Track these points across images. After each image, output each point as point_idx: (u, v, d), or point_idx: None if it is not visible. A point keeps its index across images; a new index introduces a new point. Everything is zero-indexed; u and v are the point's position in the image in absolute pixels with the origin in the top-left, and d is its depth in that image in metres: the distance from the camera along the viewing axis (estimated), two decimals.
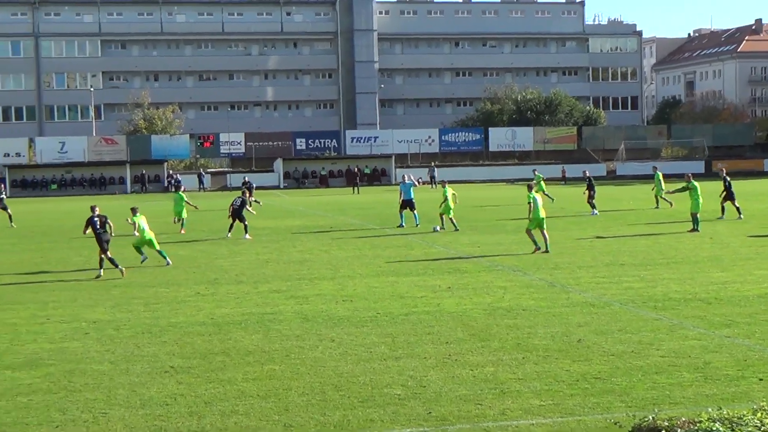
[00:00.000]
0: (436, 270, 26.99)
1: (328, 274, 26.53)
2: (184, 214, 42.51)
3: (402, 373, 14.93)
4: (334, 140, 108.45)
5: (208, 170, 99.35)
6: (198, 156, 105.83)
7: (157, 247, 29.37)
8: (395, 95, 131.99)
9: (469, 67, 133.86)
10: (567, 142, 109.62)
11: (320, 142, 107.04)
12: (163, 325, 19.28)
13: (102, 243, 27.38)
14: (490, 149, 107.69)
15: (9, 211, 45.60)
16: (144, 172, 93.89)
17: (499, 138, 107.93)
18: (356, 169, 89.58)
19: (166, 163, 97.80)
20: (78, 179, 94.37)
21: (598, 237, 35.22)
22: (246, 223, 38.08)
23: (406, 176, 44.54)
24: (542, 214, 30.70)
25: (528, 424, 12.21)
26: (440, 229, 38.82)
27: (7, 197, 51.98)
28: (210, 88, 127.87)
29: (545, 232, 30.75)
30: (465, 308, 20.52)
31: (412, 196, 41.54)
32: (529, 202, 30.69)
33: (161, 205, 60.51)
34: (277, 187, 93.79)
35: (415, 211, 41.31)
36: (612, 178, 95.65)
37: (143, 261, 29.05)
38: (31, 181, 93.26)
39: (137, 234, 29.07)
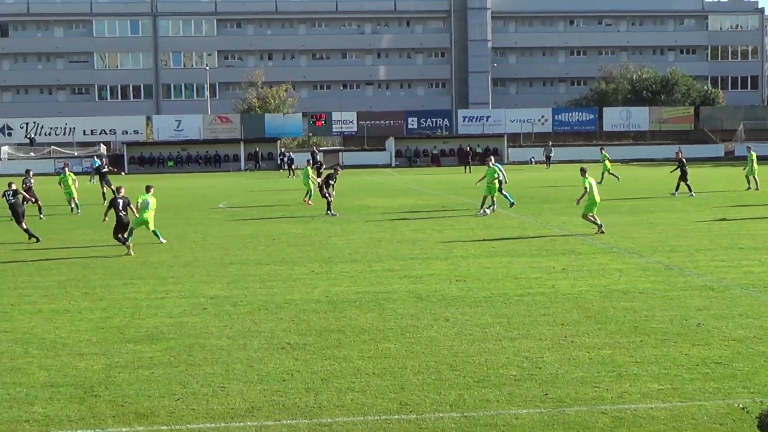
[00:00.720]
0: (551, 251, 26.76)
1: (441, 254, 26.51)
2: (311, 185, 44.31)
3: (517, 353, 14.88)
4: (446, 119, 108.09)
5: (321, 148, 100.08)
6: (310, 134, 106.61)
7: (152, 227, 29.88)
8: (508, 74, 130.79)
9: (583, 46, 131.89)
10: (683, 122, 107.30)
11: (432, 122, 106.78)
12: (279, 302, 19.54)
13: (121, 224, 28.22)
14: (605, 129, 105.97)
15: (112, 187, 45.33)
16: (257, 149, 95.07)
17: (614, 118, 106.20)
18: (468, 148, 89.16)
19: (279, 141, 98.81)
20: (193, 156, 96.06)
21: (722, 219, 34.41)
22: (330, 199, 39.00)
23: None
24: (597, 198, 30.90)
25: (647, 408, 12.07)
26: (489, 211, 38.22)
27: (125, 173, 52.88)
28: (323, 67, 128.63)
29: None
30: (580, 290, 20.33)
31: (501, 178, 40.53)
32: (585, 187, 30.90)
33: (275, 182, 61.33)
34: (389, 166, 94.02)
35: (504, 192, 40.35)
36: (730, 159, 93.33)
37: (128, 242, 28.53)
38: (148, 158, 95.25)
39: (137, 214, 28.81)
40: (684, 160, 46.11)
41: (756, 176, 48.32)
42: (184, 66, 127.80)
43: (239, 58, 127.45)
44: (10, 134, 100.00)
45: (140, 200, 28.79)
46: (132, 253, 27.38)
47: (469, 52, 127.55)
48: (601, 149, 61.67)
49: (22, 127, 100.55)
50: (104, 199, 45.68)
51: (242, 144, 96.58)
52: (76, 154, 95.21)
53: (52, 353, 15.50)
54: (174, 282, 22.59)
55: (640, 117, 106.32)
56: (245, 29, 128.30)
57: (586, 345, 15.36)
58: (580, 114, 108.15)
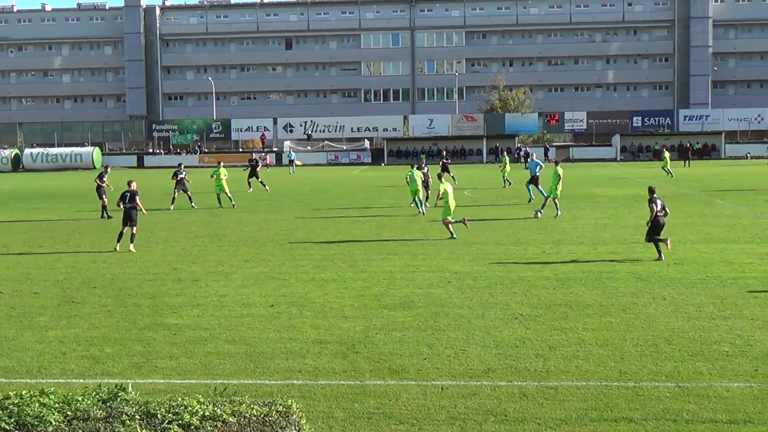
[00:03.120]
0: (764, 239, 25.35)
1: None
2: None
3: (730, 332, 14.21)
4: (668, 118, 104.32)
5: (554, 144, 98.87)
6: (545, 131, 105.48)
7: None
8: (727, 77, 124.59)
9: None
10: None
11: (655, 120, 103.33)
12: (514, 278, 19.46)
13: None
14: None
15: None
16: (498, 144, 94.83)
17: None
18: (688, 144, 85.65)
19: (516, 137, 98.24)
20: (443, 150, 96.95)
21: None
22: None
23: (534, 155, 42.04)
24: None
25: None
26: (539, 214, 32.73)
27: (384, 164, 52.95)
28: (557, 72, 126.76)
29: None
30: None
31: (537, 173, 39.23)
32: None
33: (511, 173, 61.09)
34: (614, 160, 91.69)
35: (540, 187, 38.07)
36: None
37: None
38: (404, 152, 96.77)
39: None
40: None
41: None
42: (437, 72, 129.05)
43: (484, 64, 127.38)
44: (291, 131, 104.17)
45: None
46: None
47: (691, 57, 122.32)
48: None
49: (301, 125, 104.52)
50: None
51: (485, 140, 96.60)
52: (344, 148, 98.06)
53: (322, 315, 16.04)
54: (424, 258, 22.90)
55: None
56: (490, 39, 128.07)
57: None
58: None
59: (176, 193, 39.18)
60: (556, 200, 33.04)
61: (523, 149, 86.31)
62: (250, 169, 50.58)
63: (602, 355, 13.01)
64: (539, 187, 38.29)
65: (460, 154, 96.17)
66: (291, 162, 77.96)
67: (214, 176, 39.17)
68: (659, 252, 21.82)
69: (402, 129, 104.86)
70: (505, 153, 64.01)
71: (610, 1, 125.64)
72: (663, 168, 58.92)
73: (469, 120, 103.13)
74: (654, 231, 22.06)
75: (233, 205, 38.46)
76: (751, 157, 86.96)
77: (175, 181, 39.38)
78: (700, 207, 35.56)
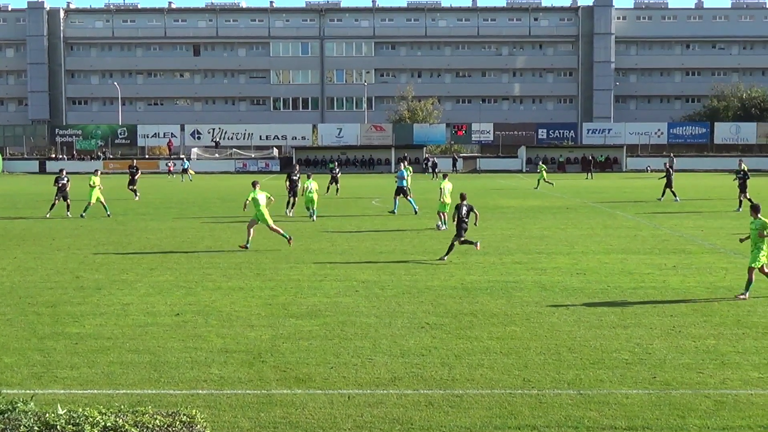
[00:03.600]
0: (663, 250, 26.07)
1: (565, 250, 26.13)
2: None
3: (630, 340, 14.55)
4: (572, 131, 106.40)
5: (461, 155, 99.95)
6: (452, 142, 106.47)
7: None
8: (629, 92, 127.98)
9: (698, 67, 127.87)
10: None
11: (560, 133, 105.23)
12: (421, 288, 19.58)
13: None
14: (715, 142, 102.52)
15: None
16: (406, 154, 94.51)
17: (724, 132, 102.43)
18: (591, 157, 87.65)
19: (425, 148, 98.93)
20: (351, 159, 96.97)
21: None
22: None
23: (402, 164, 42.70)
24: None
25: (747, 394, 11.64)
26: (443, 227, 31.69)
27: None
28: (465, 84, 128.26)
29: None
30: (688, 285, 19.75)
31: (405, 184, 38.88)
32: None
33: (418, 183, 61.56)
34: (520, 171, 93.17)
35: (410, 197, 38.38)
36: None
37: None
38: (313, 160, 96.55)
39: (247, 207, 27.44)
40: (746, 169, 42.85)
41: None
42: (346, 82, 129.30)
43: (393, 75, 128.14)
44: (199, 138, 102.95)
45: (250, 198, 27.02)
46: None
47: (594, 71, 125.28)
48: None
49: (209, 132, 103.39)
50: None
51: (393, 149, 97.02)
52: (253, 156, 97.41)
53: (228, 324, 15.89)
54: (331, 267, 22.88)
55: (748, 131, 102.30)
56: (399, 51, 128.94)
57: (692, 335, 14.91)
58: (693, 128, 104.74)
59: (57, 200, 38.31)
60: (442, 213, 32.29)
61: (430, 159, 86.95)
62: (129, 176, 50.41)
63: (507, 363, 13.19)
64: (408, 197, 38.20)
65: (368, 164, 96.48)
66: (185, 170, 76.74)
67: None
68: (448, 252, 23.79)
69: (311, 137, 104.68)
70: (405, 163, 64.35)
71: (516, 15, 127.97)
72: (540, 180, 60.26)
73: (377, 129, 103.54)
74: (458, 234, 24.00)
75: (108, 215, 37.43)
76: (651, 170, 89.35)
77: (56, 187, 38.58)
78: (602, 219, 36.36)
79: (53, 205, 38.12)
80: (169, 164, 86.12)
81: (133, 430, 7.44)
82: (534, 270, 22.13)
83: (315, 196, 35.63)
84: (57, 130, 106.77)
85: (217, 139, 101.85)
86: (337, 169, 54.75)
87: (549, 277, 20.90)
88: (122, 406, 8.02)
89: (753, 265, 18.10)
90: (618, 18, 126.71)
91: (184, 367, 13.03)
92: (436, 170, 79.79)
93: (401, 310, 17.06)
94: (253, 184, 27.48)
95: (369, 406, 11.20)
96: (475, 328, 15.53)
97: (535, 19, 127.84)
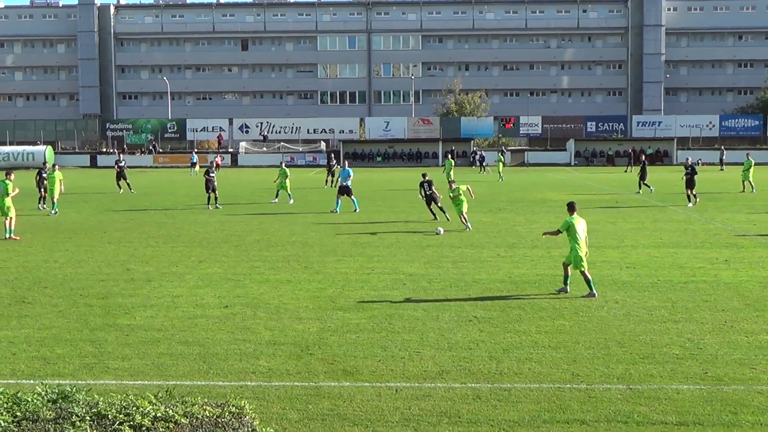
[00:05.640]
0: (714, 244, 25.72)
1: (613, 243, 25.89)
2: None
3: (681, 335, 14.38)
4: (621, 124, 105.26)
5: (509, 148, 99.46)
6: (500, 135, 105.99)
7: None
8: (679, 84, 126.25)
9: (751, 59, 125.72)
10: None
11: (609, 125, 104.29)
12: (468, 281, 19.53)
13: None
14: None
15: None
16: (453, 148, 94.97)
17: None
18: (631, 150, 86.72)
19: (472, 141, 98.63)
20: (399, 153, 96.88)
21: None
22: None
23: (347, 162, 42.43)
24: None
25: None
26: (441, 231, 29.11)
27: (339, 166, 53.09)
28: (513, 77, 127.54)
29: None
30: (741, 280, 19.46)
31: (348, 183, 37.98)
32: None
33: (467, 176, 61.38)
34: (568, 165, 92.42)
35: (353, 197, 37.39)
36: None
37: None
38: (360, 154, 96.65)
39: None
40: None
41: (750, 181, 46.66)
42: (393, 75, 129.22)
43: (440, 68, 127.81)
44: (247, 132, 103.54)
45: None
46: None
47: (644, 64, 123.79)
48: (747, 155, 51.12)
49: (257, 126, 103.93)
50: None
51: (440, 143, 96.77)
52: (300, 149, 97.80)
53: (276, 316, 15.98)
54: (379, 260, 22.90)
55: None
56: (446, 44, 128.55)
57: (745, 330, 14.70)
58: (746, 120, 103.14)
59: (119, 184, 39.06)
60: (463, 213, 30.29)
61: (478, 153, 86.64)
62: (117, 171, 50.81)
63: (555, 357, 13.10)
64: (352, 196, 37.29)
65: (416, 157, 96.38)
66: (193, 164, 77.37)
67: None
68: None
69: (358, 131, 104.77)
70: (449, 156, 64.50)
71: (565, 7, 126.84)
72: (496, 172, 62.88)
73: (425, 123, 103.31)
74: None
75: (54, 212, 37.08)
76: (703, 164, 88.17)
77: (38, 179, 39.35)
78: (652, 212, 35.97)
79: (42, 198, 39.20)
80: (217, 158, 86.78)
81: (182, 420, 7.51)
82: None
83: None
84: (108, 124, 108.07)
85: (265, 133, 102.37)
86: (334, 161, 57.54)
87: (598, 271, 20.70)
88: (171, 397, 8.10)
89: None
90: (668, 9, 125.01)
91: (232, 358, 13.13)
92: (484, 163, 79.52)
93: (449, 304, 17.03)
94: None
95: (416, 398, 11.19)
96: (524, 321, 15.45)
97: (584, 11, 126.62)
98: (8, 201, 28.63)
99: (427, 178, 33.17)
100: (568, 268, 17.91)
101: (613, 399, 11.13)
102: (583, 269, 17.59)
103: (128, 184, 49.52)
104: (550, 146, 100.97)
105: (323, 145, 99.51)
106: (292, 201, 41.53)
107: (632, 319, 15.52)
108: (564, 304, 16.80)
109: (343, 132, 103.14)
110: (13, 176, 29.50)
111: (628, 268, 21.15)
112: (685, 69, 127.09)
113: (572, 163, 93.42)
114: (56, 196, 37.28)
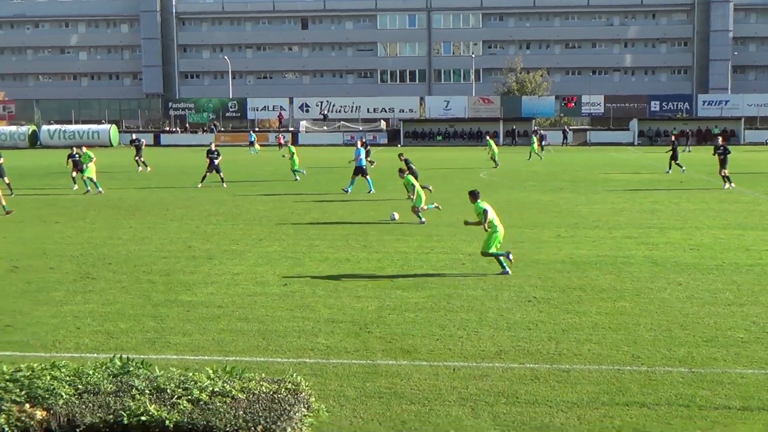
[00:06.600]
0: None
1: (677, 224, 25.50)
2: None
3: (745, 318, 14.12)
4: (686, 103, 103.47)
5: (571, 127, 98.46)
6: (562, 115, 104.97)
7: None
8: (748, 62, 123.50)
9: None
10: None
11: (673, 105, 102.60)
12: (528, 261, 19.40)
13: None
14: None
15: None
16: (514, 127, 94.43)
17: None
18: (705, 129, 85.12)
19: (533, 120, 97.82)
20: (459, 132, 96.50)
21: None
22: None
23: (359, 142, 41.27)
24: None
25: None
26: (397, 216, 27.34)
27: (400, 145, 53.15)
28: (575, 55, 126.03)
29: None
30: None
31: (363, 164, 37.31)
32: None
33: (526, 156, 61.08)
34: (631, 144, 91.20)
35: (368, 177, 36.61)
36: None
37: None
38: (420, 133, 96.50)
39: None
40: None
41: None
42: (453, 54, 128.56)
43: (501, 47, 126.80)
44: (307, 111, 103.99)
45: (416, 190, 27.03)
46: None
47: (710, 41, 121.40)
48: None
49: (317, 105, 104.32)
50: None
51: (501, 122, 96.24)
52: (360, 128, 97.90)
53: (335, 294, 16.04)
54: (438, 239, 22.87)
55: None
56: (507, 22, 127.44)
57: None
58: None
59: (208, 172, 39.29)
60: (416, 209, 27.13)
61: (539, 132, 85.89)
62: (135, 149, 52.36)
63: (615, 339, 12.96)
64: (367, 177, 36.57)
65: (476, 137, 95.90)
66: (252, 143, 77.86)
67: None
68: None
69: (418, 110, 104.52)
70: (488, 137, 64.15)
71: None
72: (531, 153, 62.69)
73: (485, 102, 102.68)
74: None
75: (99, 191, 37.03)
76: None
77: (72, 162, 39.30)
78: (717, 193, 35.36)
79: (74, 179, 39.15)
80: (279, 137, 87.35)
81: (240, 395, 7.59)
82: (645, 245, 21.66)
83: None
84: (170, 103, 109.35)
85: (325, 112, 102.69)
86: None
87: (660, 252, 20.42)
88: (229, 373, 8.18)
89: None
90: None
91: (291, 335, 13.22)
92: (544, 143, 78.79)
93: (507, 284, 16.93)
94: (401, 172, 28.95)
95: (474, 378, 11.16)
96: (584, 302, 15.31)
97: None
98: None
99: (403, 157, 34.12)
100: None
101: (675, 382, 10.97)
102: (488, 252, 18.08)
103: (143, 162, 50.74)
104: (613, 126, 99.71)
105: (383, 124, 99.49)
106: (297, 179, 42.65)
107: (695, 302, 15.27)
108: (625, 286, 16.61)
109: (403, 111, 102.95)
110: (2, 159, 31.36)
111: (692, 250, 20.80)
112: (753, 46, 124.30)
113: (635, 143, 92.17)
114: (93, 176, 37.56)
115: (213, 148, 39.94)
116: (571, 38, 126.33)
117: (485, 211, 18.18)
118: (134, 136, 37.99)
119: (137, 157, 51.37)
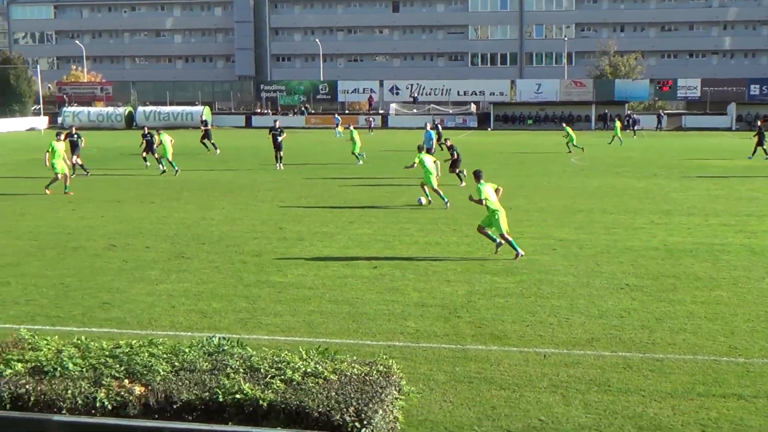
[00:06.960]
0: None
1: None
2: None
3: None
4: None
5: (666, 111, 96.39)
6: (656, 98, 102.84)
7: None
8: None
9: None
10: None
11: None
12: (620, 248, 19.11)
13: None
14: None
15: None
16: (607, 111, 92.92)
17: None
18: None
19: (626, 104, 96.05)
20: (550, 116, 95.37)
21: None
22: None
23: (428, 125, 39.75)
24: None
25: None
26: (424, 201, 27.00)
27: (490, 129, 52.68)
28: (671, 38, 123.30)
29: None
30: None
31: (433, 147, 36.99)
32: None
33: (619, 141, 60.08)
34: (729, 129, 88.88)
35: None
36: None
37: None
38: (510, 116, 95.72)
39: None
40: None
41: None
42: (545, 37, 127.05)
43: (594, 30, 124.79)
44: (397, 93, 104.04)
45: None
46: None
47: None
48: None
49: (407, 88, 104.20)
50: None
51: (594, 106, 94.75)
52: (450, 111, 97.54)
53: (424, 278, 16.05)
54: (528, 224, 22.69)
55: None
56: (600, 4, 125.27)
57: None
58: None
59: (277, 154, 39.96)
60: (425, 187, 27.03)
61: (632, 116, 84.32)
62: (203, 132, 53.38)
63: (711, 329, 12.68)
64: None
65: (568, 120, 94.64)
66: (337, 125, 79.19)
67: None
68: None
69: (509, 93, 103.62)
70: (564, 124, 62.80)
71: None
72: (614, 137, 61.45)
73: (577, 85, 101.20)
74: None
75: (176, 171, 37.24)
76: None
77: (145, 142, 40.14)
78: None
79: (145, 158, 40.47)
80: (369, 119, 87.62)
81: (332, 376, 7.66)
82: (743, 233, 21.12)
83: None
84: (262, 86, 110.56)
85: (415, 95, 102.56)
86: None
87: (759, 241, 19.88)
88: (322, 354, 8.25)
89: None
90: None
91: (381, 318, 13.29)
92: (636, 127, 77.38)
93: (599, 270, 16.71)
94: (419, 149, 28.29)
95: (565, 365, 11.05)
96: (678, 291, 15.01)
97: None
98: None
99: (449, 143, 33.64)
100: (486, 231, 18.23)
101: None
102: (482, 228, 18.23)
103: (213, 144, 51.39)
104: (710, 110, 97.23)
105: (473, 107, 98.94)
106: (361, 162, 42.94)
107: None
108: (722, 275, 16.22)
109: (493, 94, 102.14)
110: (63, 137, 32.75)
111: None
112: None
113: (733, 128, 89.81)
114: (170, 156, 37.95)
115: (276, 126, 40.92)
116: (667, 20, 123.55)
117: (479, 191, 18.19)
118: (146, 130, 38.14)
119: (206, 140, 52.08)
